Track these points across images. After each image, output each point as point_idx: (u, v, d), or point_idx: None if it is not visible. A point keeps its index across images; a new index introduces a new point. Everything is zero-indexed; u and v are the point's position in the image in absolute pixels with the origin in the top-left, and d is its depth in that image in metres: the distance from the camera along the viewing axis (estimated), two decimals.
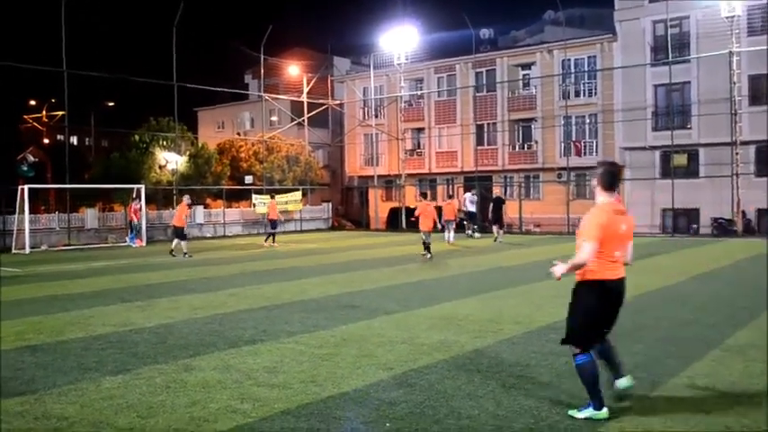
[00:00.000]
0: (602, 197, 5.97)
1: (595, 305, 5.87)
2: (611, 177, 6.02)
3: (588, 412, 5.78)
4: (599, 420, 5.71)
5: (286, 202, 40.49)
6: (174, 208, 36.24)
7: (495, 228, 29.43)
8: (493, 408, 6.10)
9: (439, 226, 23.74)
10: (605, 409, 5.78)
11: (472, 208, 33.03)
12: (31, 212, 29.12)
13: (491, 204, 30.27)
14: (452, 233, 27.83)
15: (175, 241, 24.17)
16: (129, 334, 9.75)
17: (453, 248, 25.73)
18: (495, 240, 28.40)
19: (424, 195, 24.88)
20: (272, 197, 32.58)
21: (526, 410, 6.02)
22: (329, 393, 6.61)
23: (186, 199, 24.29)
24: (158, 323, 10.57)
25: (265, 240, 29.25)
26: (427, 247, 21.82)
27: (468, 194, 33.99)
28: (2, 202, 30.25)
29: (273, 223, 29.56)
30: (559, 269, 5.94)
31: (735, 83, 32.68)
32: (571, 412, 5.87)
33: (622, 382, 6.12)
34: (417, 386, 6.81)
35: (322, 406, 6.22)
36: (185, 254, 23.33)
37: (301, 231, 40.64)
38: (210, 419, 5.88)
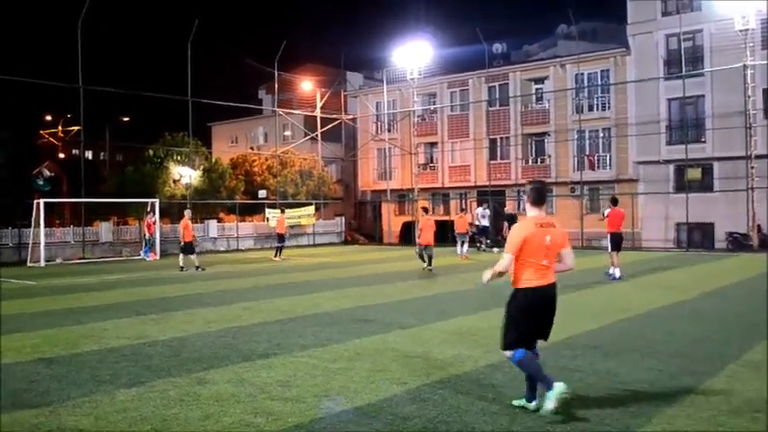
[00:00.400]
0: (530, 212, 6.54)
1: (524, 309, 6.41)
2: (538, 194, 6.56)
3: (523, 402, 6.48)
4: (561, 395, 6.16)
5: (299, 217, 40.63)
6: None
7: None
8: (507, 424, 6.07)
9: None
10: (534, 403, 6.40)
11: (484, 222, 32.98)
12: (46, 226, 29.29)
13: (505, 222, 30.39)
14: (465, 246, 28.02)
15: (181, 256, 24.19)
16: (143, 347, 9.78)
17: (467, 262, 25.68)
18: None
19: (425, 210, 25.06)
20: (282, 211, 32.68)
21: (540, 426, 5.99)
22: (342, 408, 6.60)
23: (188, 213, 24.38)
24: (172, 336, 10.60)
25: (275, 255, 29.35)
26: (429, 259, 22.10)
27: (480, 209, 33.93)
28: (18, 215, 30.50)
29: (281, 237, 29.83)
30: (486, 275, 6.64)
31: (749, 96, 32.54)
32: (513, 402, 6.57)
33: (531, 406, 6.45)
34: (431, 401, 6.80)
35: (335, 420, 6.22)
36: (197, 267, 23.49)
37: (314, 245, 40.71)
38: None
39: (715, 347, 9.29)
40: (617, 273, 18.83)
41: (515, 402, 6.52)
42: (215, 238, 37.97)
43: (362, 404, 6.71)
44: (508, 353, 6.46)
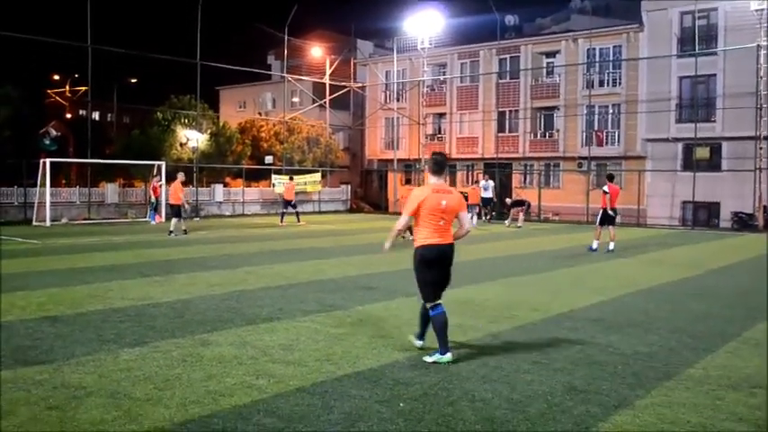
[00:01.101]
0: (431, 179, 7.32)
1: (425, 263, 7.16)
2: (436, 165, 7.32)
3: (435, 356, 7.04)
4: (444, 364, 6.92)
5: (305, 183, 40.62)
6: (194, 186, 36.48)
7: (518, 214, 30.25)
8: (507, 392, 6.12)
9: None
10: (449, 354, 7.03)
11: (487, 194, 32.95)
12: (52, 186, 29.35)
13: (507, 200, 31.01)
14: (475, 218, 28.37)
15: (174, 220, 23.41)
16: (148, 308, 9.85)
17: (474, 233, 25.65)
18: (517, 227, 29.25)
19: (408, 182, 25.32)
20: (291, 178, 32.74)
21: (540, 395, 6.03)
22: (344, 372, 6.65)
23: (180, 176, 23.91)
24: (176, 298, 10.66)
25: (281, 220, 29.52)
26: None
27: (483, 181, 33.87)
28: (24, 174, 30.56)
29: (287, 203, 30.00)
30: (387, 243, 7.62)
31: (761, 77, 32.28)
32: (424, 358, 7.09)
33: (418, 343, 7.49)
34: (432, 368, 6.84)
35: (337, 384, 6.26)
36: (184, 231, 23.09)
37: (320, 213, 40.76)
38: (226, 394, 5.94)
39: (717, 324, 9.31)
40: (610, 246, 19.27)
41: (428, 359, 7.09)
42: (221, 203, 38.05)
43: (364, 369, 6.76)
44: (429, 306, 7.16)
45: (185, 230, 23.30)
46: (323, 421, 5.33)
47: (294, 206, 30.30)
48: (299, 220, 30.03)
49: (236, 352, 7.35)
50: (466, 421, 5.38)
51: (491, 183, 33.51)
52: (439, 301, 7.17)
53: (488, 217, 32.82)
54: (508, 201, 32.59)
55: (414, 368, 6.82)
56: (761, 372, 6.93)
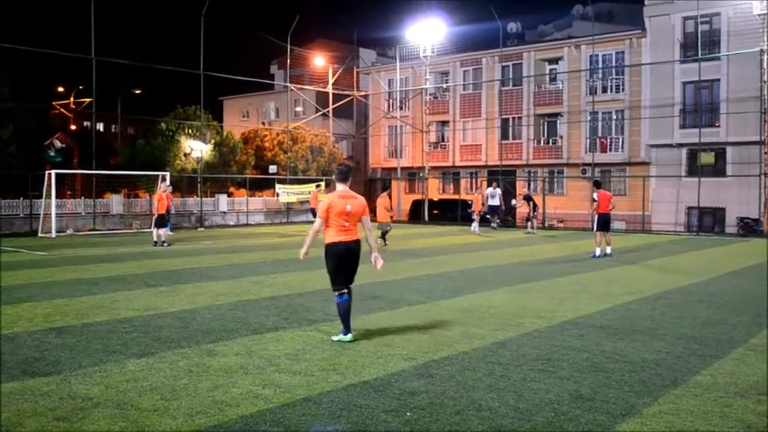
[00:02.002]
0: (338, 187, 8.59)
1: (334, 258, 8.39)
2: (342, 174, 8.67)
3: (339, 336, 8.41)
4: (348, 342, 8.26)
5: (309, 192, 40.63)
6: (197, 196, 36.55)
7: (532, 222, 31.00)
8: (513, 401, 6.10)
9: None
10: (350, 335, 8.38)
11: (494, 202, 32.98)
12: (57, 197, 29.42)
13: (524, 200, 31.61)
14: (476, 225, 28.74)
15: (155, 231, 23.33)
16: (153, 318, 9.86)
17: (478, 240, 25.68)
18: (532, 233, 30.10)
19: (384, 189, 25.77)
20: (317, 186, 32.79)
21: (546, 404, 6.02)
22: (350, 382, 6.65)
23: (163, 186, 23.73)
24: (182, 308, 10.67)
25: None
26: (383, 235, 23.37)
27: (490, 189, 33.91)
28: (29, 186, 30.65)
29: (314, 212, 30.09)
30: (303, 249, 8.62)
31: (765, 81, 32.25)
32: (331, 338, 8.47)
33: (347, 338, 8.42)
34: (438, 377, 6.83)
35: (343, 394, 6.26)
36: (164, 242, 22.84)
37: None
38: (233, 404, 5.93)
39: (724, 331, 9.28)
40: (608, 250, 19.65)
41: (334, 338, 8.46)
42: (225, 213, 38.10)
43: (370, 378, 6.75)
44: (336, 293, 8.44)
45: (165, 242, 22.97)
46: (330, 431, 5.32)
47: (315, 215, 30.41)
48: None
49: (243, 362, 7.35)
50: (473, 430, 5.37)
51: (498, 190, 33.54)
52: (345, 290, 8.42)
53: (495, 225, 32.84)
54: (514, 202, 32.87)
55: (420, 377, 6.81)
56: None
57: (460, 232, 30.13)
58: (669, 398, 6.23)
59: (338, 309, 8.48)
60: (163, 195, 23.39)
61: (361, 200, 8.69)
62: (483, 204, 31.69)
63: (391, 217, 29.27)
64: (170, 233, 29.70)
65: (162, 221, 23.31)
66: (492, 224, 32.74)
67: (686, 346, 8.33)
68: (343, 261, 8.40)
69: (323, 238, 8.53)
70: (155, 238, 23.25)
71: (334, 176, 9.03)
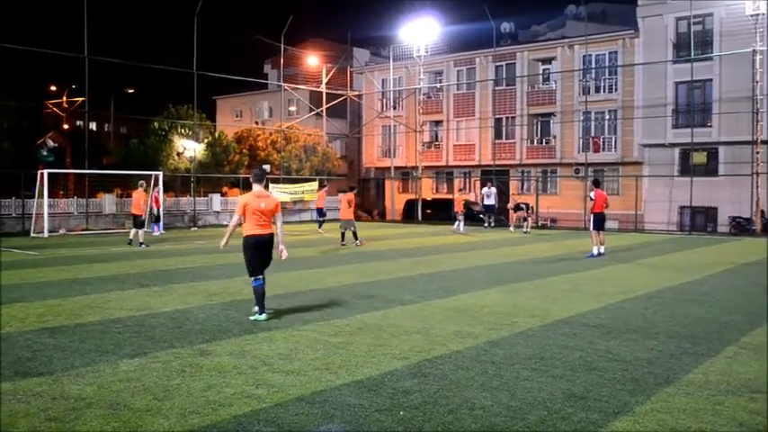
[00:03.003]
0: (254, 187, 9.86)
1: (249, 249, 9.79)
2: (257, 176, 9.96)
3: (255, 316, 9.68)
4: (260, 321, 9.54)
5: (303, 192, 40.63)
6: (191, 195, 36.48)
7: (515, 218, 31.07)
8: (507, 399, 6.11)
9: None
10: (264, 315, 9.67)
11: (489, 201, 33.07)
12: (49, 197, 29.33)
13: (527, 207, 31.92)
14: (460, 225, 29.77)
15: (133, 230, 23.15)
16: (146, 318, 9.84)
17: (471, 239, 25.72)
18: (524, 232, 30.27)
19: (351, 188, 25.71)
20: (322, 186, 32.93)
21: (539, 402, 6.03)
22: (343, 381, 6.65)
23: (142, 185, 23.63)
24: (175, 308, 10.66)
25: (319, 227, 29.79)
26: (343, 235, 23.25)
27: (485, 188, 34.03)
28: (21, 185, 30.55)
29: (321, 211, 30.31)
30: (223, 241, 10.10)
31: (757, 81, 32.37)
32: (248, 317, 9.75)
33: (262, 317, 9.69)
34: (431, 376, 6.84)
35: (336, 393, 6.26)
36: (141, 243, 22.56)
37: (317, 221, 40.67)
38: (226, 404, 5.93)
39: (716, 329, 9.31)
40: (601, 249, 19.75)
41: (251, 318, 9.73)
42: (218, 212, 38.03)
43: (363, 378, 6.76)
44: (252, 279, 9.80)
45: (142, 243, 22.66)
46: (323, 431, 5.33)
47: (324, 214, 30.68)
48: (320, 227, 29.95)
49: (236, 362, 7.34)
50: (466, 429, 5.37)
51: (493, 190, 33.58)
52: (260, 276, 9.77)
53: (489, 224, 32.95)
54: (510, 206, 32.94)
55: (413, 376, 6.81)
56: (760, 376, 6.93)
57: (454, 232, 30.16)
58: (661, 396, 6.25)
59: (254, 291, 9.77)
60: (135, 195, 23.28)
61: (274, 198, 10.22)
62: (475, 203, 31.82)
63: (322, 210, 29.33)
64: (155, 233, 29.62)
65: (137, 222, 23.01)
66: (485, 223, 32.92)
67: (678, 344, 8.36)
68: (257, 251, 9.76)
69: (241, 231, 9.59)
70: (131, 236, 23.05)
71: (251, 178, 10.12)
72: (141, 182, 24.00)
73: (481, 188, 35.64)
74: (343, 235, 23.32)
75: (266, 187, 10.88)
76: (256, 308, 9.76)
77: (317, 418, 5.59)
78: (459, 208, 30.76)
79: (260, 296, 9.70)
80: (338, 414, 5.68)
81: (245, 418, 5.59)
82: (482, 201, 33.69)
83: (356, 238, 23.18)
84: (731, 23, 34.43)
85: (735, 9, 33.87)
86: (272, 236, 9.91)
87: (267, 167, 42.30)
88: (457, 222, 30.33)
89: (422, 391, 6.34)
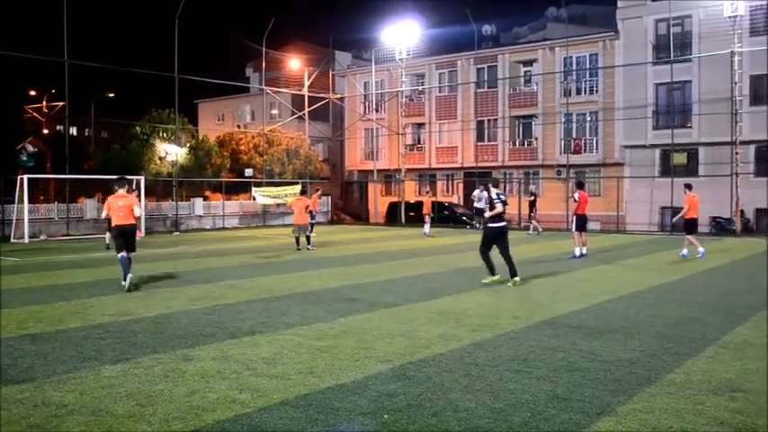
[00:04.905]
0: (119, 190, 13.57)
1: (117, 235, 13.42)
2: (119, 182, 13.80)
3: (123, 283, 13.05)
4: (126, 288, 12.75)
5: (285, 195, 40.53)
6: (173, 200, 36.30)
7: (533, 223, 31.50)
8: (490, 401, 6.13)
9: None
10: (127, 280, 13.00)
11: (480, 204, 33.11)
12: (30, 202, 29.11)
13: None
14: (427, 227, 30.32)
15: (108, 235, 22.15)
16: (129, 323, 9.78)
17: (456, 242, 25.75)
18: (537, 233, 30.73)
19: (303, 192, 25.56)
20: (317, 190, 32.83)
21: (523, 404, 6.05)
22: (328, 385, 6.64)
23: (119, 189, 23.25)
24: (157, 313, 10.60)
25: (310, 230, 29.70)
26: (297, 240, 23.04)
27: (477, 191, 34.06)
28: (1, 191, 30.27)
29: (312, 215, 30.19)
30: (108, 236, 15.89)
31: (736, 83, 32.67)
32: (121, 283, 13.04)
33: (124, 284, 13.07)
34: (415, 379, 6.85)
35: (320, 397, 6.25)
36: (107, 246, 22.28)
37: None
38: (209, 409, 5.91)
39: (697, 329, 9.38)
40: (583, 250, 19.94)
41: (123, 283, 13.08)
42: (201, 216, 37.87)
43: (347, 381, 6.75)
44: (119, 255, 13.09)
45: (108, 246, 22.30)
46: (342, 430, 5.34)
47: (313, 217, 30.50)
48: (311, 231, 29.81)
49: (219, 366, 7.31)
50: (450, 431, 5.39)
51: (485, 194, 33.53)
52: (124, 252, 13.06)
53: (479, 225, 33.12)
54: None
55: (397, 379, 6.82)
56: (740, 376, 7.00)
57: (437, 234, 30.23)
58: (643, 396, 6.29)
59: (120, 262, 13.08)
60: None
61: (131, 197, 14.02)
62: (454, 207, 31.97)
63: (311, 213, 27.87)
64: (144, 236, 29.42)
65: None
66: (476, 224, 33.23)
67: (660, 344, 8.41)
68: (122, 236, 13.28)
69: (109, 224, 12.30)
70: (107, 241, 22.69)
71: (114, 184, 13.88)
72: (116, 186, 23.68)
73: (484, 191, 35.70)
74: (297, 240, 23.05)
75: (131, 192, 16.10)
76: (123, 281, 13.14)
77: (301, 422, 5.59)
78: (427, 210, 31.02)
79: (125, 266, 13.12)
80: (322, 418, 5.67)
81: (229, 423, 5.57)
82: (473, 203, 33.88)
83: (309, 243, 23.00)
84: (710, 25, 34.76)
85: (713, 11, 34.19)
86: (133, 225, 13.57)
87: (249, 171, 42.29)
88: (426, 225, 30.58)
89: (406, 393, 6.35)
